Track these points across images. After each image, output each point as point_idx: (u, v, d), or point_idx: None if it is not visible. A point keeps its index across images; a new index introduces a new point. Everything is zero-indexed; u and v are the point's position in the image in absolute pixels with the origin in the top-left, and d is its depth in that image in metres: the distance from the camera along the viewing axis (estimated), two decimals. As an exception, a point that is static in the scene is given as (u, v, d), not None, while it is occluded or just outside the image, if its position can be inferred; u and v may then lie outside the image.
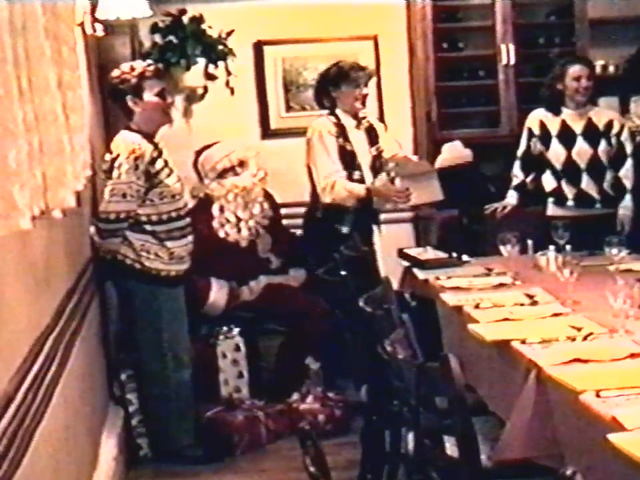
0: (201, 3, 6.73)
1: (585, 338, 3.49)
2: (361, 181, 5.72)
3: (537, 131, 5.93)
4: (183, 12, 6.62)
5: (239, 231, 5.71)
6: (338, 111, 5.79)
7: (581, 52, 7.00)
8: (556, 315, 3.89)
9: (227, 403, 5.44)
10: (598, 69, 6.78)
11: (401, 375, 3.28)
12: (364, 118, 5.89)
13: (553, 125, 5.88)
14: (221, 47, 6.62)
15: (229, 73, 6.70)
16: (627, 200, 5.82)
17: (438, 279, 4.73)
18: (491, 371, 3.70)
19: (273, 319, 5.77)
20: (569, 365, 3.16)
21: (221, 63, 6.66)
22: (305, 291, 5.85)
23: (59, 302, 3.49)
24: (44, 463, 2.95)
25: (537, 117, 5.97)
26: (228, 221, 5.70)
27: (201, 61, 6.60)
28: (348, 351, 4.47)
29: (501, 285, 4.52)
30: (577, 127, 5.86)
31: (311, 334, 5.62)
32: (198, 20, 6.63)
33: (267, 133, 7.04)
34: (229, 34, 6.66)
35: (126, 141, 4.87)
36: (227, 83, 6.73)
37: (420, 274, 4.95)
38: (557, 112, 5.87)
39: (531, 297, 4.20)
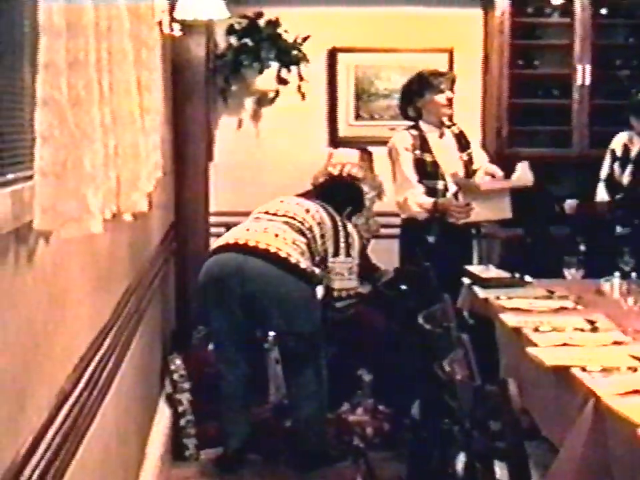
0: (278, 7, 6.76)
1: (646, 369, 3.44)
2: (445, 190, 5.71)
3: (619, 154, 5.87)
4: (260, 15, 6.67)
5: None
6: (421, 123, 5.77)
7: (658, 75, 6.93)
8: (617, 343, 3.83)
9: (276, 409, 5.44)
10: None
11: (457, 396, 3.26)
12: (454, 124, 5.87)
13: (635, 149, 5.81)
14: (295, 52, 6.66)
15: (301, 78, 6.75)
16: None
17: (498, 298, 4.68)
18: (548, 396, 3.65)
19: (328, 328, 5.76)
20: (629, 397, 3.10)
21: (293, 68, 6.70)
22: (365, 303, 5.83)
23: (118, 299, 3.52)
24: (95, 459, 2.98)
25: (621, 140, 5.90)
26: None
27: (274, 65, 6.64)
28: (403, 366, 4.46)
29: (562, 309, 4.47)
30: None
31: (365, 345, 5.61)
32: (274, 23, 6.68)
33: (335, 140, 7.03)
34: (304, 39, 6.70)
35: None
36: (299, 88, 6.77)
37: (480, 292, 4.91)
38: None
39: (592, 322, 4.14)
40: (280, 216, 5.07)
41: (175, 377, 5.34)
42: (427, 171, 5.68)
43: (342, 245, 5.05)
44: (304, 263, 4.92)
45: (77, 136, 1.86)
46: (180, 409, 5.27)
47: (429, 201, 5.62)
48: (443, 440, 3.77)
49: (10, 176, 1.97)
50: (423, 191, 5.63)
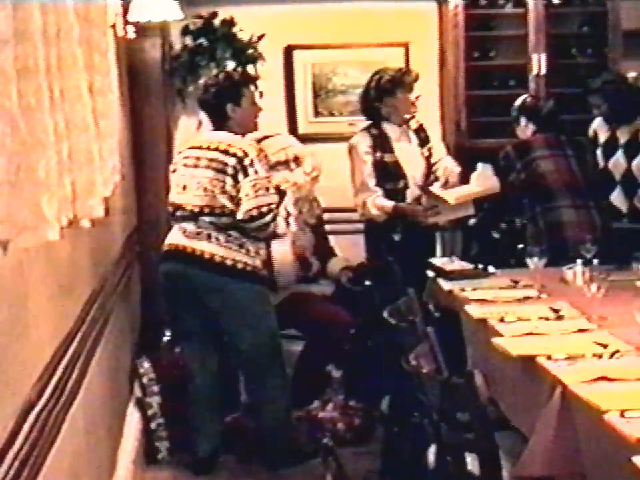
0: (232, 6, 6.74)
1: (611, 355, 3.45)
2: (405, 188, 5.71)
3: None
4: (214, 15, 6.65)
5: (288, 225, 5.71)
6: (383, 123, 5.76)
7: (612, 63, 6.96)
8: (582, 330, 3.85)
9: (247, 408, 5.43)
10: (630, 81, 6.71)
11: (425, 389, 3.27)
12: (412, 118, 5.86)
13: (604, 136, 5.84)
14: (251, 51, 6.64)
15: (257, 77, 6.72)
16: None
17: (463, 290, 4.69)
18: (515, 385, 3.67)
19: (294, 325, 5.75)
20: (595, 383, 3.12)
21: (250, 67, 6.68)
22: (329, 299, 5.84)
23: (81, 305, 3.49)
24: (65, 467, 2.96)
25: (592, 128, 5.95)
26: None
27: (231, 64, 6.62)
28: (370, 361, 4.47)
29: (527, 298, 4.48)
30: (623, 138, 5.81)
31: (333, 341, 5.61)
32: (229, 23, 6.66)
33: (295, 137, 7.01)
34: (259, 38, 6.68)
35: (244, 142, 4.93)
36: (256, 87, 6.74)
37: (445, 285, 4.92)
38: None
39: (556, 311, 4.16)
40: (201, 214, 4.94)
41: (144, 380, 5.31)
42: (389, 172, 5.69)
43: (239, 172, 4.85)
44: (241, 262, 4.88)
45: (30, 143, 1.84)
46: (150, 412, 5.25)
47: (389, 205, 5.64)
48: (413, 433, 3.79)
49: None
50: (381, 193, 5.65)
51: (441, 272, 5.11)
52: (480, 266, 5.15)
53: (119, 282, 4.78)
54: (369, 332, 4.47)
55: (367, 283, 4.42)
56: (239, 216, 4.81)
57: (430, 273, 5.12)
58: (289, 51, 6.99)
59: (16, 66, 1.75)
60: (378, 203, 5.64)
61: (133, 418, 5.12)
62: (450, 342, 4.12)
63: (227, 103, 4.97)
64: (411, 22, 7.09)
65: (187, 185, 4.96)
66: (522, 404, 3.60)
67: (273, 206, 4.87)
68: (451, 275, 5.04)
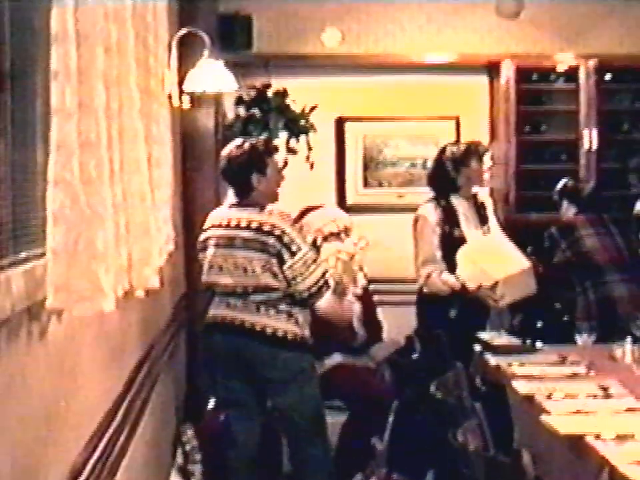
0: (286, 77, 6.83)
1: (660, 436, 3.41)
2: None
3: None
4: (268, 86, 6.73)
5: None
6: (452, 196, 5.77)
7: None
8: (630, 410, 3.81)
9: (289, 478, 5.39)
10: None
11: (471, 465, 3.24)
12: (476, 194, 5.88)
13: None
14: (303, 122, 6.71)
15: (309, 148, 6.78)
16: None
17: (510, 365, 4.66)
18: (563, 465, 3.63)
19: (339, 396, 5.72)
20: (644, 464, 3.09)
21: (302, 137, 6.74)
22: (375, 371, 5.81)
23: (130, 372, 3.52)
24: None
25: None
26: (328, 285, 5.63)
27: (283, 135, 6.68)
28: (416, 434, 4.43)
29: (575, 375, 4.45)
30: None
31: (377, 413, 5.57)
32: (282, 94, 6.73)
33: (344, 208, 7.04)
34: (312, 109, 6.75)
35: (274, 217, 4.82)
36: (307, 158, 6.81)
37: (492, 359, 4.89)
38: None
39: (605, 389, 4.12)
40: (244, 293, 4.86)
41: (187, 447, 5.31)
42: (455, 246, 5.64)
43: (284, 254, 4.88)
44: (291, 332, 4.86)
45: (88, 215, 1.88)
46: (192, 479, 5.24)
47: (456, 284, 5.58)
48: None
49: (23, 254, 1.99)
50: (445, 267, 5.62)
51: (488, 346, 5.08)
52: (528, 341, 5.11)
53: (166, 348, 4.81)
54: (415, 405, 4.45)
55: (415, 355, 4.41)
56: (298, 296, 4.81)
57: (477, 347, 5.10)
58: (340, 123, 7.05)
59: (79, 139, 1.80)
60: (444, 278, 5.60)
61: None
62: (497, 418, 4.10)
63: (252, 173, 4.91)
64: (462, 95, 7.15)
65: (223, 266, 4.89)
66: (569, 483, 3.56)
67: (327, 275, 4.87)
68: (498, 350, 5.01)
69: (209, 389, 5.65)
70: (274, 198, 5.02)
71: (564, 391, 4.10)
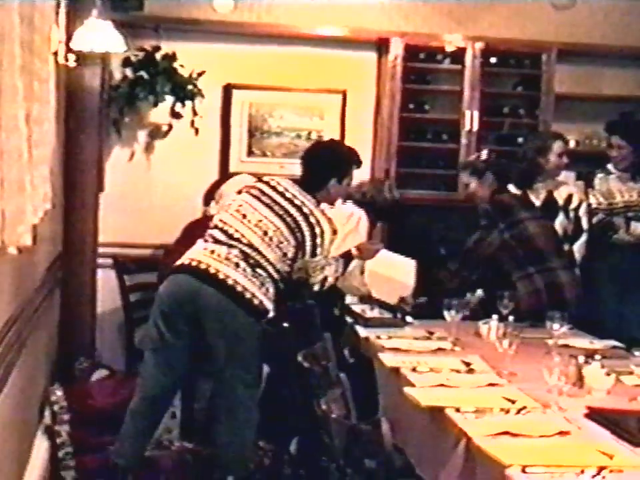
0: (175, 42, 6.78)
1: (518, 411, 3.51)
2: None
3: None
4: (157, 49, 6.68)
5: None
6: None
7: (544, 125, 7.16)
8: (491, 385, 3.92)
9: (157, 443, 5.38)
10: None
11: (332, 433, 3.32)
12: None
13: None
14: (190, 87, 6.69)
15: (195, 113, 6.78)
16: (576, 273, 5.89)
17: (379, 337, 4.76)
18: (423, 435, 3.73)
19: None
20: (499, 438, 3.17)
21: (188, 103, 6.73)
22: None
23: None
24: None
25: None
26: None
27: (169, 99, 6.66)
28: (283, 402, 4.49)
29: (440, 350, 4.58)
30: (537, 199, 5.97)
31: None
32: (170, 58, 6.69)
33: (225, 175, 7.05)
34: (199, 74, 6.73)
35: (325, 217, 4.99)
36: (192, 123, 6.80)
37: (362, 331, 4.99)
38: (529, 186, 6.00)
39: (467, 364, 4.25)
40: (242, 244, 4.90)
41: (55, 408, 5.28)
42: None
43: (308, 247, 4.93)
44: (258, 298, 4.84)
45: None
46: (59, 440, 5.20)
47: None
48: (320, 477, 3.82)
49: None
50: None
51: (359, 318, 5.17)
52: (398, 315, 5.23)
53: (38, 308, 4.75)
54: (283, 373, 4.50)
55: (285, 324, 4.46)
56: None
57: (348, 319, 5.18)
58: (227, 90, 7.04)
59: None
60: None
61: (41, 446, 5.07)
62: (362, 389, 4.19)
63: (333, 177, 5.07)
64: (351, 70, 7.19)
65: (247, 216, 4.93)
66: (428, 454, 3.65)
67: (326, 283, 5.01)
68: (369, 322, 5.11)
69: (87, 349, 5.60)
70: (331, 202, 5.17)
71: (429, 364, 4.22)
